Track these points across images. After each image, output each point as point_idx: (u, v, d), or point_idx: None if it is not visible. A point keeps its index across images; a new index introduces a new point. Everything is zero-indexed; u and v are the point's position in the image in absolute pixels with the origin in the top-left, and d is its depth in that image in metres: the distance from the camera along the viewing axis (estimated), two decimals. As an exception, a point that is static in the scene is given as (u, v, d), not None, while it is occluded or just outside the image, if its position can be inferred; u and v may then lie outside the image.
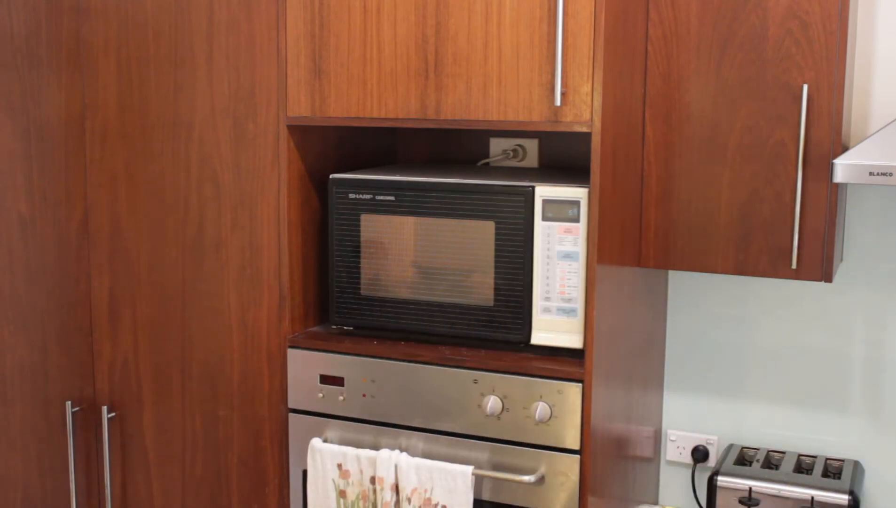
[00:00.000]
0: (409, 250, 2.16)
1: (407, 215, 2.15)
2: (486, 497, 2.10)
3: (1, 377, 2.35)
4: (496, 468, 2.09)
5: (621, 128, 2.07)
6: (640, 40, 2.17)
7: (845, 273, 2.44)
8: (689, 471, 2.64)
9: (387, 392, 2.17)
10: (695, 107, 2.18)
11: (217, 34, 2.22)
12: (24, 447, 2.43)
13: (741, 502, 2.33)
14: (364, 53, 2.10)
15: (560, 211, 2.04)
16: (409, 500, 2.10)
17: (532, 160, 2.55)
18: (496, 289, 2.10)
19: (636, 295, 2.32)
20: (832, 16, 2.05)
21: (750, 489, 2.33)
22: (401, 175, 2.20)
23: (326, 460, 2.18)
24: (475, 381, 2.08)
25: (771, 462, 2.47)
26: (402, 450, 2.15)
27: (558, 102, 1.93)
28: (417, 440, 2.15)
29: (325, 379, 2.22)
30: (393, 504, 2.12)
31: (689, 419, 2.63)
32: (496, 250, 2.08)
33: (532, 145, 2.54)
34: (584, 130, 1.94)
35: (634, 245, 2.24)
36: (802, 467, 2.44)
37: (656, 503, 2.67)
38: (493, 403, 2.06)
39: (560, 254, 2.05)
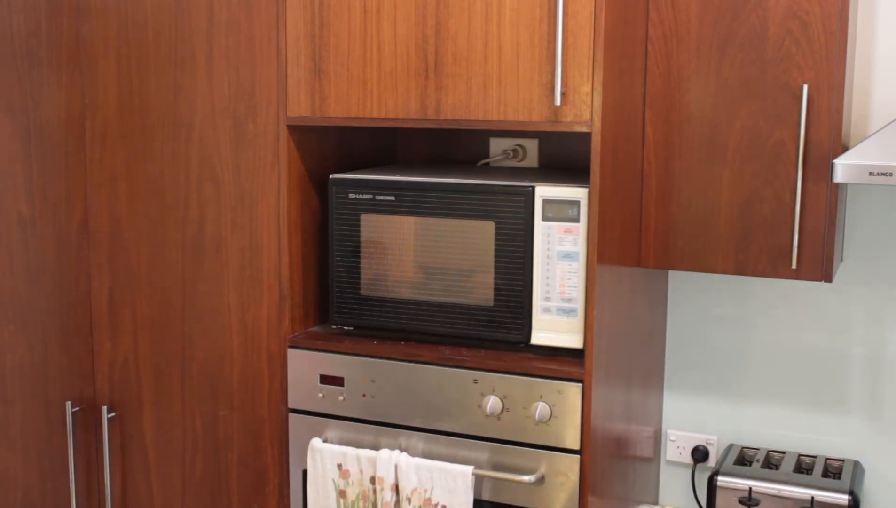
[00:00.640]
0: (409, 250, 2.16)
1: (407, 215, 2.15)
2: (486, 497, 2.10)
3: (1, 377, 2.35)
4: (496, 468, 2.09)
5: (621, 128, 2.07)
6: (640, 40, 2.17)
7: (845, 273, 2.44)
8: (689, 471, 2.64)
9: (387, 392, 2.16)
10: (695, 107, 2.18)
11: (217, 34, 2.22)
12: (24, 447, 2.43)
13: (741, 502, 2.33)
14: (364, 53, 2.10)
15: (560, 211, 2.03)
16: (409, 500, 2.10)
17: (532, 160, 2.54)
18: (496, 289, 2.10)
19: (636, 295, 2.32)
20: (832, 16, 2.05)
21: (750, 489, 2.33)
22: (401, 175, 2.20)
23: (326, 460, 2.18)
24: (475, 381, 2.08)
25: (771, 462, 2.47)
26: (402, 450, 2.15)
27: (558, 102, 1.93)
28: (417, 440, 2.15)
29: (325, 379, 2.22)
30: (393, 504, 2.12)
31: (689, 419, 2.62)
32: (496, 250, 2.08)
33: (532, 145, 2.54)
34: (584, 130, 1.94)
35: (634, 245, 2.24)
36: (802, 467, 2.44)
37: (656, 503, 2.67)
38: (493, 403, 2.06)
39: (560, 254, 2.05)
